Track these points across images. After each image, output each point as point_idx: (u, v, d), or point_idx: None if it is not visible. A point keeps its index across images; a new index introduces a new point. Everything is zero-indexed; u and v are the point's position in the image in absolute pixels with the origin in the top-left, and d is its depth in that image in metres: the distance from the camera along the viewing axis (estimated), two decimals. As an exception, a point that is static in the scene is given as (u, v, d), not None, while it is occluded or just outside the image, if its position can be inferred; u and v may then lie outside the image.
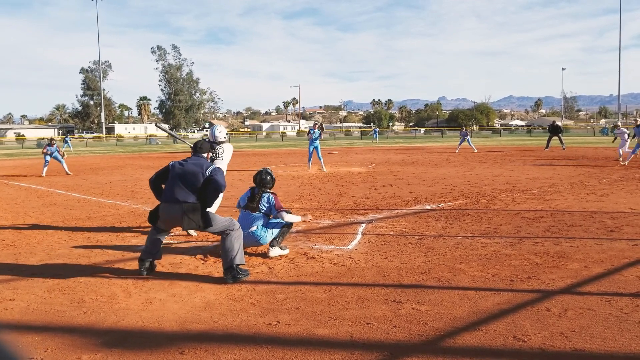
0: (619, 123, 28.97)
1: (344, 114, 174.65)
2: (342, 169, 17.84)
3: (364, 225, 7.59)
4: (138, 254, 6.01)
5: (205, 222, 5.02)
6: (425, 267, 5.27)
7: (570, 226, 7.22)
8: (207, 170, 5.10)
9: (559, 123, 32.47)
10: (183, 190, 5.03)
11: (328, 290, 4.63)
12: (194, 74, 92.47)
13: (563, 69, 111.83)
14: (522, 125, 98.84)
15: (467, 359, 3.22)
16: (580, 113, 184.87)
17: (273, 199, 6.04)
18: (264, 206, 6.00)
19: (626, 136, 18.54)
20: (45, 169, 17.56)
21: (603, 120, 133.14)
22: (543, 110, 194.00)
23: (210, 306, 4.29)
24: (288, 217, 5.98)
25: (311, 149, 17.87)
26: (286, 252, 6.03)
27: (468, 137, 27.88)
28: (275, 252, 5.92)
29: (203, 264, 5.61)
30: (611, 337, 3.48)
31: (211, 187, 5.04)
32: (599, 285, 4.61)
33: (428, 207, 9.21)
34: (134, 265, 5.54)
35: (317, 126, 18.17)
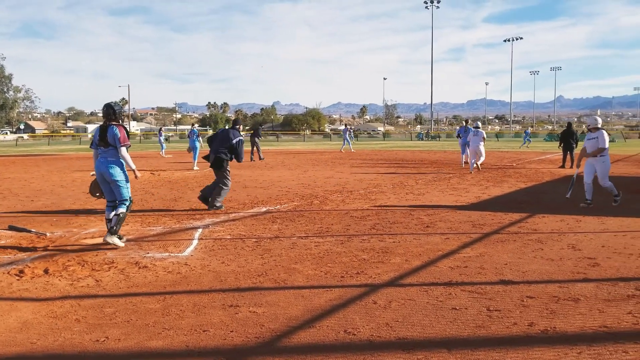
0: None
1: (179, 116, 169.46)
2: (177, 173, 17.28)
3: (200, 230, 7.44)
4: None
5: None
6: (262, 269, 5.34)
7: (393, 223, 7.86)
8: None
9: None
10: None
11: (162, 299, 4.44)
12: (5, 69, 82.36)
13: (384, 79, 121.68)
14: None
15: (301, 357, 3.31)
16: (400, 119, 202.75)
17: (117, 131, 6.28)
18: (112, 139, 6.25)
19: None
20: None
21: (419, 126, 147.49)
22: (368, 117, 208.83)
23: (27, 326, 3.85)
24: (125, 155, 6.29)
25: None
26: (122, 244, 6.20)
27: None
28: (113, 239, 6.11)
29: (18, 280, 5.01)
30: (429, 324, 3.84)
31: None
32: (418, 276, 5.08)
33: (264, 209, 9.34)
34: None
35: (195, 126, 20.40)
